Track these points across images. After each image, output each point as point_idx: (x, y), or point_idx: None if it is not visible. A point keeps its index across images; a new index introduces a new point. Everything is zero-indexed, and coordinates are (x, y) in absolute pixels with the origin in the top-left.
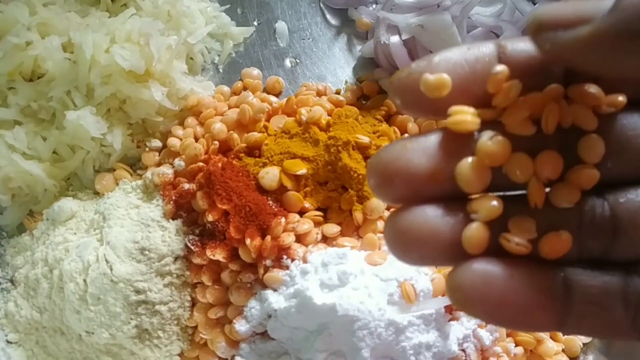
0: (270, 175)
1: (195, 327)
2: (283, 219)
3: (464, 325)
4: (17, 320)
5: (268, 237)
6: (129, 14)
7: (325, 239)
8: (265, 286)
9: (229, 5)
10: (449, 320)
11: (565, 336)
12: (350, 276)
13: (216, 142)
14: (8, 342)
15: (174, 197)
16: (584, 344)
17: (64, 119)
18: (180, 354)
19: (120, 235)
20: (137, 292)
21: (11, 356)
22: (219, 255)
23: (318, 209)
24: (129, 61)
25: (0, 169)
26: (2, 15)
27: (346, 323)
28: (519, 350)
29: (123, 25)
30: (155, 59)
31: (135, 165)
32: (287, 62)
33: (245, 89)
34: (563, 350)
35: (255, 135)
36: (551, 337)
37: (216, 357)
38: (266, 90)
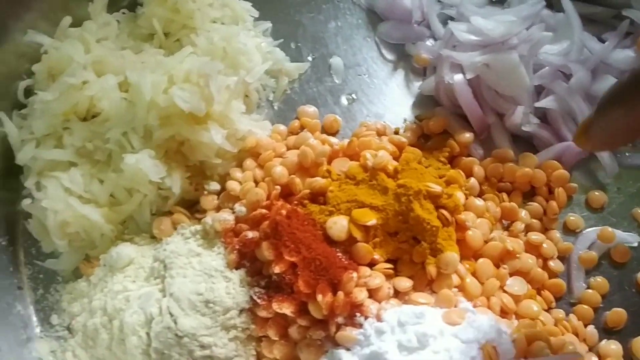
0: (338, 226)
1: None
2: (355, 274)
3: None
4: None
5: (340, 294)
6: (186, 52)
7: (397, 294)
8: (337, 344)
9: (282, 40)
10: None
11: None
12: (430, 338)
13: (278, 187)
14: None
15: (236, 246)
16: None
17: (122, 162)
18: None
19: (184, 286)
20: (202, 347)
21: None
22: (286, 309)
23: (387, 261)
24: (189, 103)
25: (57, 214)
26: (57, 54)
27: None
28: None
29: (181, 64)
30: (216, 101)
31: (192, 207)
32: (344, 99)
33: (302, 128)
34: None
35: (319, 181)
36: None
37: None
38: (324, 129)
